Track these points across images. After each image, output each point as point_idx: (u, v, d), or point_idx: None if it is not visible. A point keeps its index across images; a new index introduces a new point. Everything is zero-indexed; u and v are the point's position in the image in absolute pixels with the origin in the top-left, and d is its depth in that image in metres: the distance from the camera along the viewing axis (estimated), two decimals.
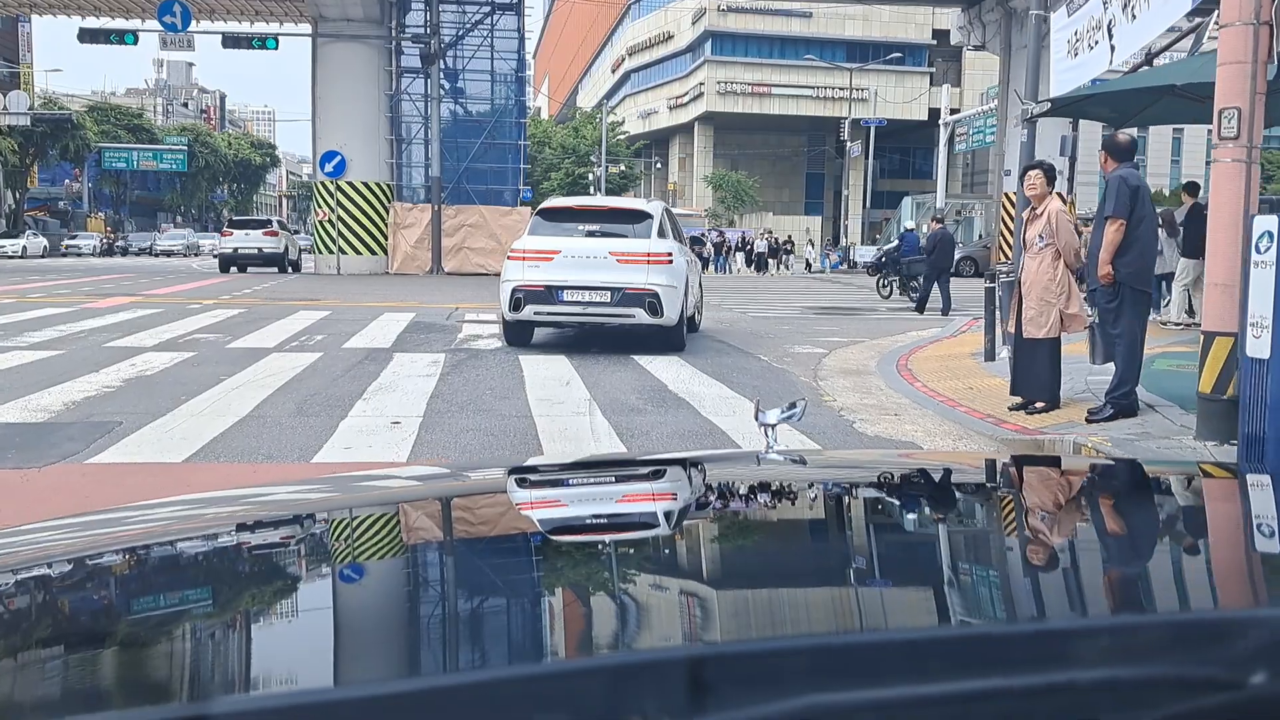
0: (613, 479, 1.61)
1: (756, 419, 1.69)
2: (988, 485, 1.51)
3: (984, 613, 0.97)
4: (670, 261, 10.86)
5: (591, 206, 11.99)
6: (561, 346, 11.51)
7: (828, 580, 1.04)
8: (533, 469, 1.70)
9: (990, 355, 10.27)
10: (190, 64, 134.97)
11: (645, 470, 1.67)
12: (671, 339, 11.08)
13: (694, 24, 62.94)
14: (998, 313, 10.43)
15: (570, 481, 1.58)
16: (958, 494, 1.48)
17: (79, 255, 48.10)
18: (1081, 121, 21.56)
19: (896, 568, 1.09)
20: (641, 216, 11.28)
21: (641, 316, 10.66)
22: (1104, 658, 0.75)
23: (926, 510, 1.39)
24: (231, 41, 30.33)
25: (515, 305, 10.81)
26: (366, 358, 10.32)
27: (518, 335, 11.37)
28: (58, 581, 1.07)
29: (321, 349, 11.00)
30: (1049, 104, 13.03)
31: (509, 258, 10.97)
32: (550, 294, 10.64)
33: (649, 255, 10.71)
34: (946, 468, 1.70)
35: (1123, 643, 0.79)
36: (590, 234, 10.96)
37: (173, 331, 12.54)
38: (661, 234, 11.16)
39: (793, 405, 1.73)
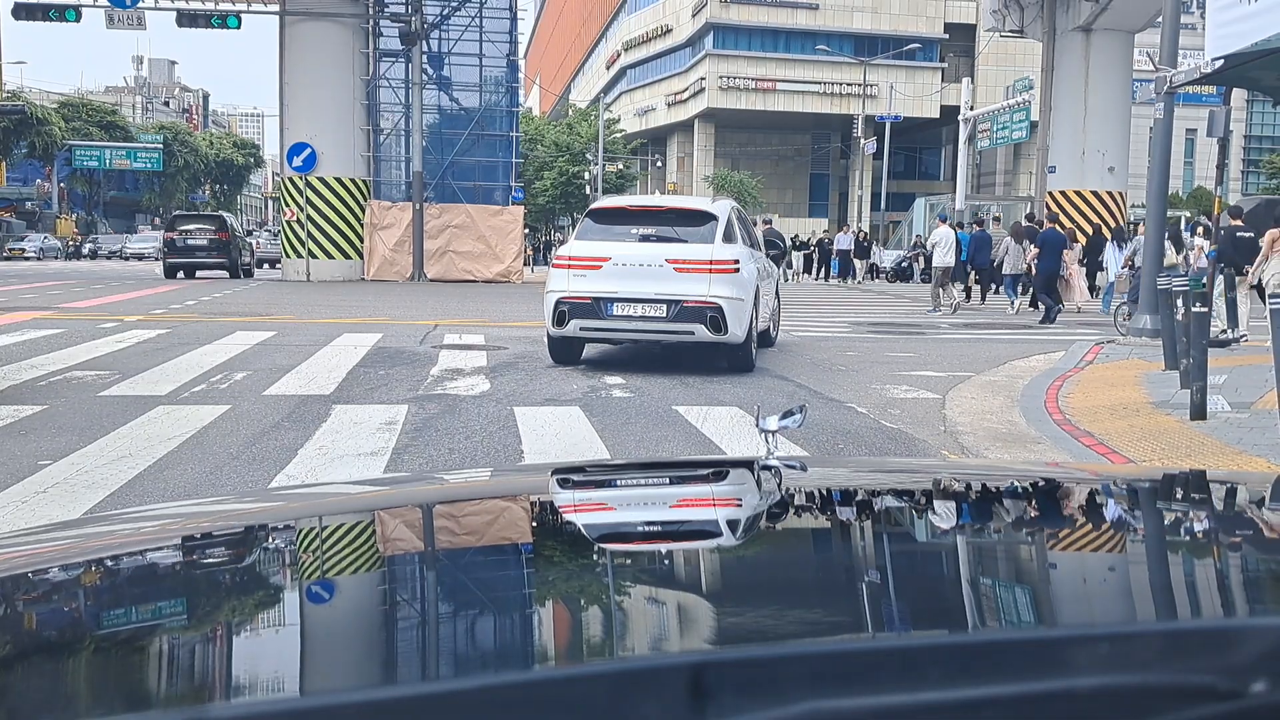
0: (620, 485, 1.59)
1: (757, 425, 1.58)
2: (989, 495, 1.48)
3: (992, 620, 0.95)
4: (736, 270, 9.37)
5: (648, 207, 10.51)
6: (598, 368, 8.32)
7: (831, 587, 1.05)
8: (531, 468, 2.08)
9: (1201, 412, 7.06)
10: (173, 62, 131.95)
11: (645, 477, 1.69)
12: (737, 359, 9.66)
13: (694, 16, 59.73)
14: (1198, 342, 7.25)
15: (576, 489, 1.52)
16: (961, 503, 1.43)
17: (24, 259, 43.88)
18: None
19: (896, 574, 1.08)
20: (705, 218, 9.71)
21: (702, 333, 9.22)
22: (1105, 666, 0.74)
23: (929, 518, 1.36)
24: (188, 19, 26.92)
25: (559, 320, 9.52)
26: (290, 415, 7.07)
27: (563, 353, 10.03)
28: (43, 589, 1.05)
29: (233, 397, 7.74)
30: (1218, 64, 9.82)
31: (553, 265, 9.94)
32: (598, 307, 9.33)
33: (711, 263, 9.20)
34: (949, 477, 1.69)
35: (1129, 651, 0.78)
36: (645, 238, 9.52)
37: (46, 365, 9.28)
38: (728, 238, 9.61)
39: (790, 412, 1.60)
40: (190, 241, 27.05)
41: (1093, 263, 21.66)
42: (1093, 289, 21.92)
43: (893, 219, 50.14)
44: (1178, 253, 14.87)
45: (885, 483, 1.58)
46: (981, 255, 20.35)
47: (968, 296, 21.45)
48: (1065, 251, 17.97)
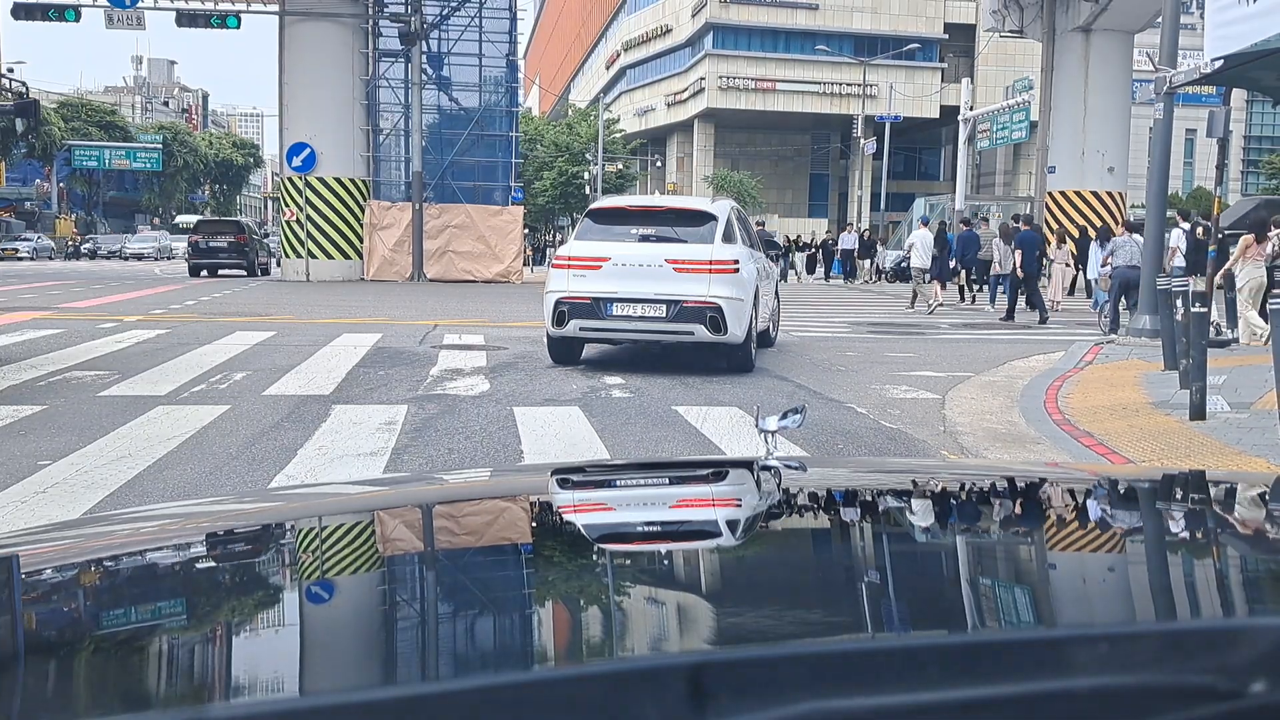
0: (619, 485, 1.58)
1: (757, 425, 1.59)
2: (988, 496, 1.47)
3: (989, 620, 0.94)
4: (736, 270, 9.34)
5: (647, 207, 10.52)
6: (598, 368, 8.32)
7: (831, 587, 1.04)
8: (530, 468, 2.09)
9: (1200, 413, 7.07)
10: (172, 62, 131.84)
11: (645, 477, 1.69)
12: (738, 359, 9.64)
13: (694, 16, 59.72)
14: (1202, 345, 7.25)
15: (576, 490, 1.52)
16: (960, 504, 1.43)
17: (18, 259, 43.65)
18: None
19: (896, 574, 1.07)
20: (705, 218, 9.70)
21: (702, 334, 9.21)
22: (1105, 666, 0.74)
23: (929, 518, 1.35)
24: (187, 19, 26.91)
25: (559, 320, 9.52)
26: (290, 415, 7.07)
27: (563, 353, 10.04)
28: (43, 589, 1.06)
29: (232, 397, 7.75)
30: (1217, 64, 9.82)
31: (553, 265, 9.92)
32: (597, 307, 9.32)
33: (711, 263, 9.18)
34: (949, 477, 1.69)
35: (1129, 651, 0.77)
36: (644, 238, 9.51)
37: (46, 365, 9.28)
38: (728, 238, 9.60)
39: (789, 412, 1.59)
40: (212, 244, 29.49)
41: (1082, 262, 22.31)
42: (1087, 288, 22.35)
43: (892, 219, 50.09)
44: None
45: (885, 483, 1.57)
46: (969, 255, 21.57)
47: (962, 297, 22.64)
48: (1054, 250, 19.18)
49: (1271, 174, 64.65)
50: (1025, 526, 1.33)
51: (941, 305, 19.84)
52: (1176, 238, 17.45)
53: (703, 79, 58.50)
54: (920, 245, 20.14)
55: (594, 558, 1.14)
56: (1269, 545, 1.21)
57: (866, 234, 36.12)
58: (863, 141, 45.35)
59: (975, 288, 23.21)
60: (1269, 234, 11.87)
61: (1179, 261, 15.66)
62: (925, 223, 22.22)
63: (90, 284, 23.69)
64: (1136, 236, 14.67)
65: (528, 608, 0.98)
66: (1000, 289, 19.60)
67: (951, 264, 21.30)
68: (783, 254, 28.15)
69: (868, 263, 33.00)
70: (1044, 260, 19.15)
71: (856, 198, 53.50)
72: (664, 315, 9.20)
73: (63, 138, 62.05)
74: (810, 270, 36.25)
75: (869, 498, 1.46)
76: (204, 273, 29.24)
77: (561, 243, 23.92)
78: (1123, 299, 14.70)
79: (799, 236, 41.69)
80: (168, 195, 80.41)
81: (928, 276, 20.15)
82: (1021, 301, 19.31)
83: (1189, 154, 70.08)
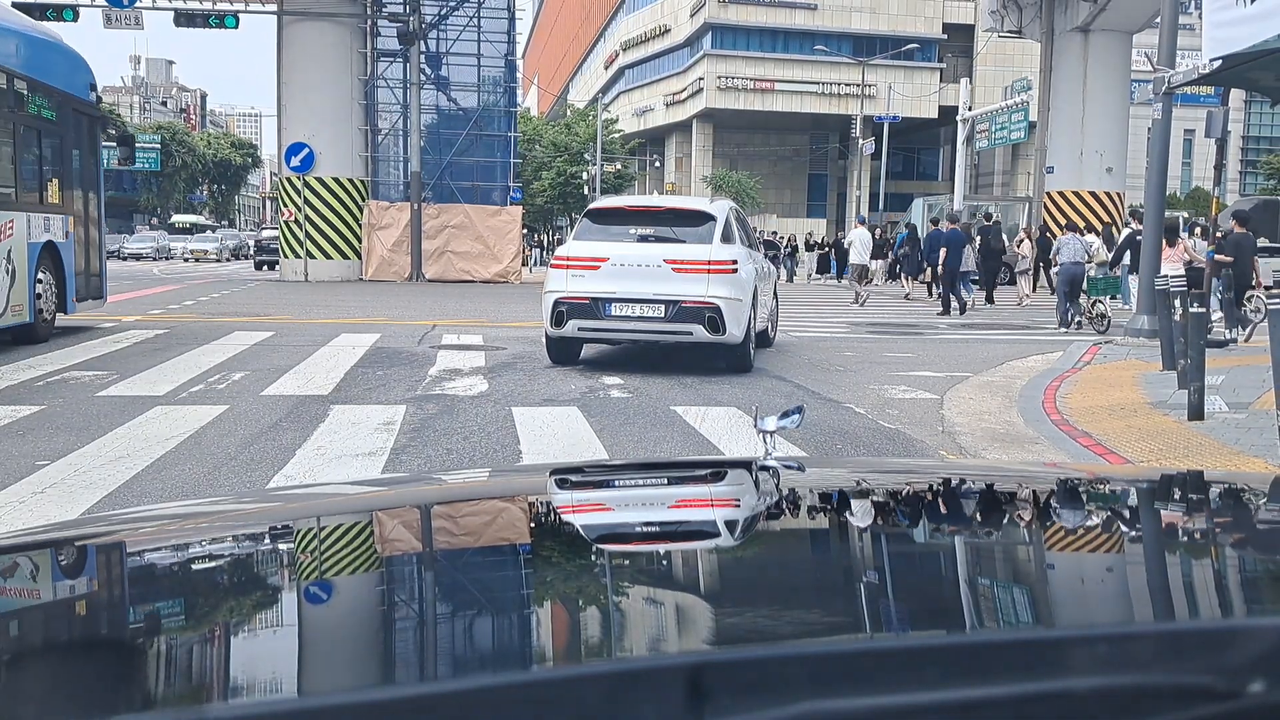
0: (618, 485, 1.58)
1: (755, 425, 1.58)
2: (987, 496, 1.46)
3: (988, 620, 0.94)
4: (735, 270, 9.35)
5: (646, 207, 10.54)
6: (597, 369, 8.32)
7: (830, 587, 1.05)
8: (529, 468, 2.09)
9: (1198, 413, 7.07)
10: (170, 62, 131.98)
11: (643, 477, 1.69)
12: (736, 359, 9.66)
13: (692, 16, 59.70)
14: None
15: (575, 490, 1.53)
16: (959, 504, 1.44)
17: None
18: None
19: (894, 574, 1.08)
20: (703, 219, 9.71)
21: (701, 334, 9.23)
22: (1104, 666, 0.74)
23: (927, 519, 1.36)
24: (185, 19, 26.86)
25: (558, 320, 9.53)
26: (288, 415, 7.06)
27: (562, 354, 10.07)
28: (40, 589, 1.07)
29: (231, 397, 7.73)
30: (1216, 65, 9.82)
31: (552, 265, 9.91)
32: (596, 307, 9.32)
33: (709, 264, 9.19)
34: (947, 477, 1.69)
35: (1128, 651, 0.77)
36: (643, 239, 9.53)
37: (44, 365, 9.26)
38: (726, 238, 9.60)
39: (788, 413, 1.58)
40: (272, 245, 35.05)
41: (1044, 260, 23.26)
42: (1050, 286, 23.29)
43: (891, 220, 50.07)
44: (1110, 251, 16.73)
45: (883, 483, 1.56)
46: (936, 254, 23.02)
47: (929, 293, 23.77)
48: (1018, 247, 21.51)
49: (1270, 174, 64.70)
50: (1024, 527, 1.32)
51: (907, 298, 21.36)
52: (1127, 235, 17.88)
53: (701, 79, 58.48)
54: (859, 243, 21.93)
55: (593, 558, 1.14)
56: (1268, 545, 1.21)
57: (879, 232, 35.76)
58: (861, 142, 45.37)
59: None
60: (1179, 238, 12.93)
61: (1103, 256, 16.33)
62: (863, 222, 24.59)
63: None
64: (1090, 237, 16.28)
65: (527, 608, 0.98)
66: (976, 285, 20.64)
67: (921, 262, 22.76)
68: (788, 255, 28.80)
69: (878, 263, 32.75)
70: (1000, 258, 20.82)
71: (855, 198, 53.50)
72: (663, 315, 9.21)
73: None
74: (822, 270, 36.19)
75: (867, 498, 1.46)
76: (265, 267, 35.30)
77: (559, 243, 23.99)
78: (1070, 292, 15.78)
79: (809, 235, 41.67)
80: (166, 195, 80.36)
81: (902, 272, 21.70)
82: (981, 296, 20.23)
83: (1187, 154, 70.23)
